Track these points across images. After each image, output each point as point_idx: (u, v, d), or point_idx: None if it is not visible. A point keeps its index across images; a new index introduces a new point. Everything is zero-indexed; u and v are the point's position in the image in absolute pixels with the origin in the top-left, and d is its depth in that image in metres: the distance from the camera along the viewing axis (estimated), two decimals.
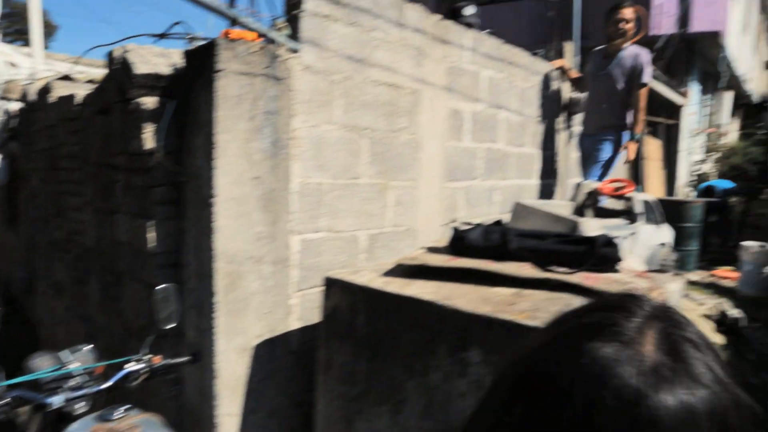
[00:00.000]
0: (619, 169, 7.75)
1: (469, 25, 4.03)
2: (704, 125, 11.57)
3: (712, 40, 9.57)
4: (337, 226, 2.60)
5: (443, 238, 2.53)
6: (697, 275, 7.01)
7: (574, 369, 0.46)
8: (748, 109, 19.20)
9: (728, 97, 12.37)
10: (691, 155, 10.94)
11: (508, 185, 3.88)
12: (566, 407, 0.45)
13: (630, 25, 4.27)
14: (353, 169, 2.65)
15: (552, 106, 4.41)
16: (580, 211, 3.51)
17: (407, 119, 2.91)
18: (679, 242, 7.18)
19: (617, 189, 3.32)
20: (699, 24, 9.73)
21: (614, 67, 4.30)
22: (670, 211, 7.31)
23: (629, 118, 4.39)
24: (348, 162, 2.62)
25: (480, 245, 2.01)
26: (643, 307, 0.51)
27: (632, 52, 4.45)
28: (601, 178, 4.48)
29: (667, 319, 0.50)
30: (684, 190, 10.62)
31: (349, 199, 2.65)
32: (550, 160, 4.48)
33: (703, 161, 11.44)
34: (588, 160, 4.42)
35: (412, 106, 2.93)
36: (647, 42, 9.80)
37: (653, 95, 9.51)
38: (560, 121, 4.58)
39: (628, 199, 3.29)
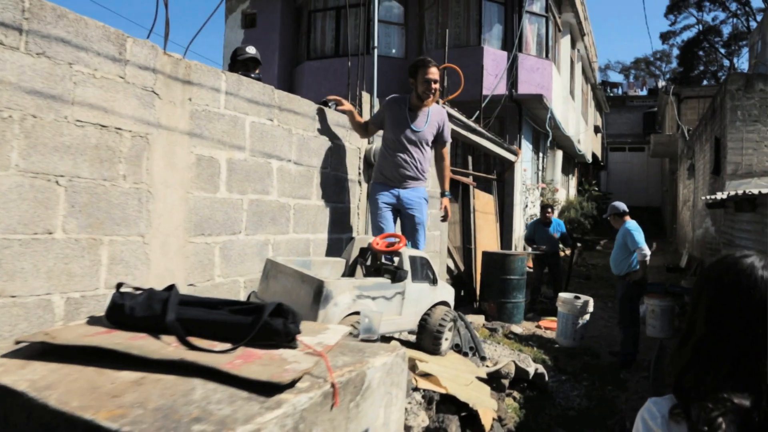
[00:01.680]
0: (452, 223, 7.93)
1: (255, 62, 3.85)
2: (536, 181, 12.39)
3: (538, 102, 10.34)
4: (16, 289, 2.13)
5: None
6: (521, 327, 7.19)
7: (737, 269, 1.14)
8: (583, 168, 21.15)
9: (559, 156, 13.43)
10: (527, 209, 11.58)
11: (290, 240, 3.62)
12: (733, 288, 1.13)
13: (438, 85, 4.27)
14: (43, 222, 2.22)
15: (345, 157, 4.28)
16: (353, 268, 3.31)
17: (130, 166, 2.55)
18: (504, 294, 7.37)
19: (390, 245, 3.16)
20: (526, 87, 10.51)
21: (425, 123, 4.28)
22: (494, 263, 7.56)
23: (426, 173, 4.39)
24: (34, 214, 2.19)
25: (138, 315, 1.67)
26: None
27: (438, 110, 4.48)
28: (413, 238, 4.38)
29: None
30: (520, 242, 11.15)
31: (38, 257, 2.20)
32: (345, 214, 4.31)
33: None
34: (377, 213, 4.24)
35: (138, 152, 2.58)
36: (477, 101, 10.41)
37: (485, 151, 10.01)
38: (357, 173, 4.45)
39: (398, 255, 3.13)
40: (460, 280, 7.69)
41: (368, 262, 3.34)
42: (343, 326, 1.93)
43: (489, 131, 8.62)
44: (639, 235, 5.92)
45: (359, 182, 4.49)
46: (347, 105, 4.14)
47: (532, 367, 4.16)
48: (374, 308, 2.69)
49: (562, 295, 6.53)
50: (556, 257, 8.86)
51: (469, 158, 8.04)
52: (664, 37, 43.93)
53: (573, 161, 18.50)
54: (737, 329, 1.08)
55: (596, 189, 18.74)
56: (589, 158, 19.34)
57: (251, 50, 3.81)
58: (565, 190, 17.34)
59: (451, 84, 6.98)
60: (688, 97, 19.72)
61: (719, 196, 6.58)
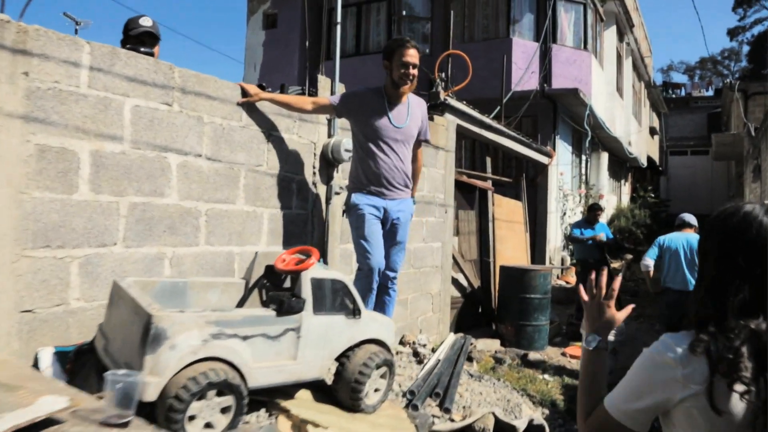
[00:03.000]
0: (465, 233, 7.07)
1: (152, 37, 3.17)
2: (576, 187, 11.26)
3: (574, 97, 9.30)
4: None
5: None
6: (543, 354, 6.21)
7: (739, 216, 1.23)
8: (638, 173, 19.59)
9: (605, 159, 12.23)
10: (566, 217, 10.50)
11: (200, 254, 2.91)
12: (736, 232, 1.21)
13: (417, 71, 3.50)
14: None
15: (292, 153, 3.55)
16: (253, 289, 2.56)
17: None
18: (524, 316, 6.41)
19: (299, 262, 2.39)
20: (560, 81, 9.50)
21: (406, 117, 3.53)
22: (512, 280, 6.60)
23: (409, 174, 3.64)
24: None
25: None
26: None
27: (418, 101, 3.72)
28: (394, 260, 3.67)
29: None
30: (557, 255, 10.08)
31: None
32: (295, 222, 3.57)
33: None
34: (363, 226, 3.45)
35: None
36: (510, 98, 9.47)
37: (509, 152, 9.07)
38: (311, 172, 3.71)
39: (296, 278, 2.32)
40: (473, 298, 6.79)
41: (276, 282, 2.58)
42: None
43: (514, 130, 7.70)
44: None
45: (314, 184, 3.74)
46: (252, 89, 3.22)
47: (523, 419, 3.22)
48: (244, 351, 1.92)
49: None
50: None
51: (488, 160, 7.15)
52: (732, 33, 40.91)
53: (625, 166, 17.08)
54: (742, 269, 1.17)
55: (652, 195, 17.23)
56: (644, 162, 17.84)
57: (146, 22, 3.12)
58: (616, 196, 15.99)
59: (461, 76, 6.15)
60: (756, 93, 17.88)
61: None
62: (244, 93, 3.17)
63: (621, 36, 13.45)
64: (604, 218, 11.94)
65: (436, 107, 5.63)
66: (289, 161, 3.52)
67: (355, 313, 2.36)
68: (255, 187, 3.25)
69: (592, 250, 7.48)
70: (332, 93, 3.91)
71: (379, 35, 11.21)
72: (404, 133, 3.56)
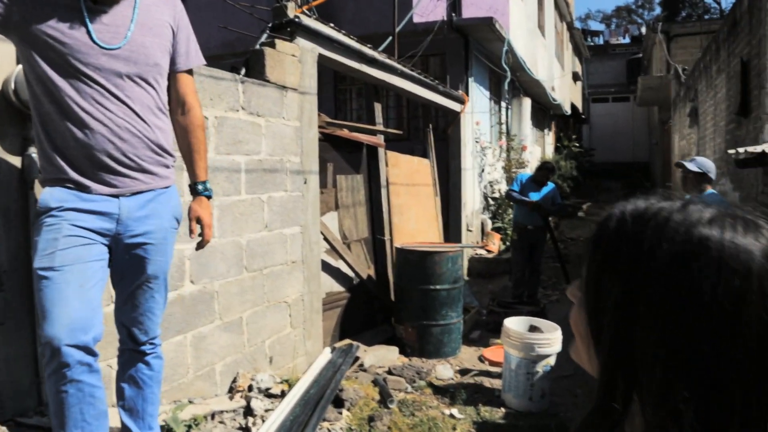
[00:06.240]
0: (348, 206, 5.33)
1: None
2: (496, 138, 9.73)
3: (489, 29, 7.59)
4: None
5: None
6: (456, 363, 4.64)
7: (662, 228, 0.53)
8: (561, 122, 18.50)
9: (527, 105, 10.76)
10: (484, 174, 8.97)
11: None
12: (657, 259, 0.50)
13: None
14: None
15: None
16: None
17: None
18: (428, 313, 4.80)
19: None
20: (472, 10, 7.75)
21: (134, 24, 1.74)
22: (411, 265, 4.89)
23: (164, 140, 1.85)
24: None
25: None
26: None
27: None
28: (148, 316, 1.92)
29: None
30: (476, 219, 8.57)
31: None
32: None
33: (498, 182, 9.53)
34: (48, 256, 1.70)
35: None
36: (411, 32, 7.66)
37: (409, 97, 7.35)
38: None
39: None
40: (364, 290, 5.12)
41: None
42: None
43: (413, 68, 5.93)
44: None
45: None
46: None
47: None
48: None
49: (509, 322, 3.95)
50: (541, 236, 6.18)
51: (377, 107, 5.37)
52: None
53: (549, 114, 15.84)
54: (687, 344, 0.48)
55: (577, 145, 16.16)
56: (568, 109, 16.68)
57: None
58: (540, 147, 14.74)
59: None
60: (678, 35, 16.97)
61: (760, 148, 4.01)
62: None
63: None
64: (527, 172, 10.55)
65: (281, 28, 3.75)
66: None
67: None
68: None
69: (533, 216, 5.94)
70: None
71: None
72: (127, 58, 1.75)
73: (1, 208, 2.06)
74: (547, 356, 3.74)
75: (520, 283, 6.18)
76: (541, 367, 3.75)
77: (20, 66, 2.00)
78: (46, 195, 1.74)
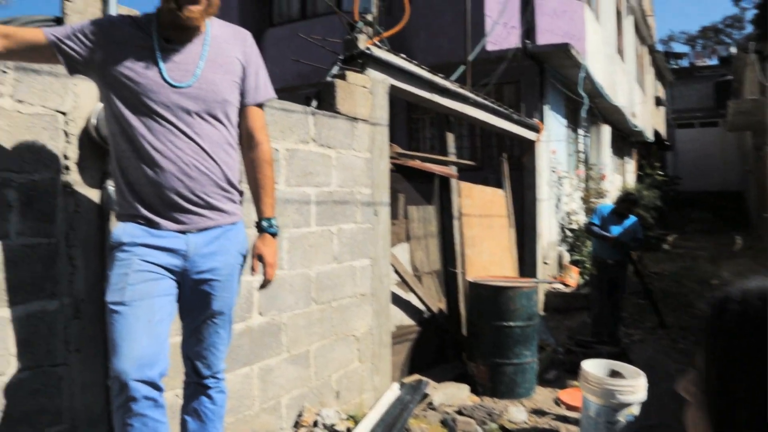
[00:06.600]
0: (419, 237, 5.24)
1: None
2: (573, 167, 9.37)
3: (565, 55, 7.39)
4: None
5: None
6: (531, 405, 4.39)
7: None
8: (643, 149, 17.66)
9: (606, 133, 10.33)
10: (560, 204, 8.64)
11: None
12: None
13: None
14: None
15: (13, 133, 1.73)
16: None
17: None
18: (500, 351, 4.57)
19: None
20: (547, 37, 7.58)
21: (200, 60, 1.82)
22: (484, 300, 4.65)
23: (233, 175, 1.87)
24: None
25: None
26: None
27: (234, 33, 1.99)
28: (212, 351, 1.98)
29: None
30: (553, 252, 8.24)
31: None
32: (25, 262, 1.77)
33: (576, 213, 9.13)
34: (119, 291, 1.76)
35: None
36: (485, 60, 7.58)
37: (483, 126, 7.21)
38: (57, 166, 1.90)
39: None
40: (434, 324, 4.98)
41: None
42: None
43: (487, 97, 5.83)
44: None
45: (65, 188, 1.95)
46: None
47: None
48: None
49: (587, 365, 3.69)
50: (622, 271, 5.85)
51: (449, 136, 5.29)
52: None
53: (629, 141, 15.17)
54: None
55: (661, 173, 15.32)
56: (650, 136, 15.92)
57: None
58: (620, 176, 14.11)
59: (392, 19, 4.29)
60: None
61: None
62: None
63: None
64: (607, 202, 10.05)
65: (352, 60, 3.78)
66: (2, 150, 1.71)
67: None
68: None
69: (614, 250, 5.65)
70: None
71: None
72: (196, 95, 1.77)
73: (81, 239, 2.13)
74: (629, 404, 3.45)
75: (599, 321, 5.83)
76: (623, 416, 3.45)
77: (100, 105, 2.08)
78: (119, 230, 1.78)
